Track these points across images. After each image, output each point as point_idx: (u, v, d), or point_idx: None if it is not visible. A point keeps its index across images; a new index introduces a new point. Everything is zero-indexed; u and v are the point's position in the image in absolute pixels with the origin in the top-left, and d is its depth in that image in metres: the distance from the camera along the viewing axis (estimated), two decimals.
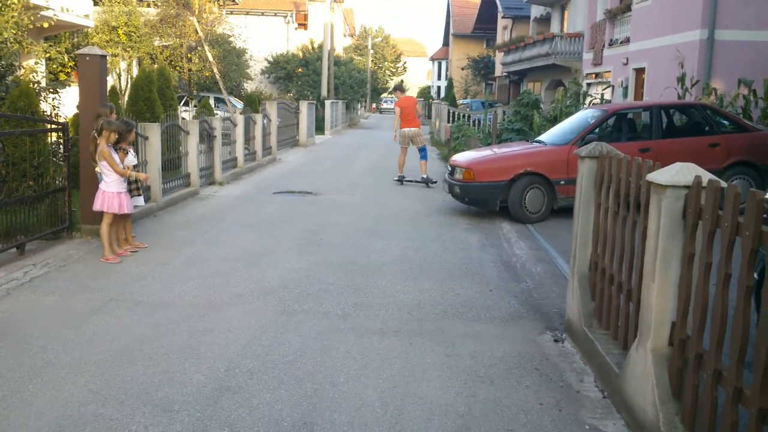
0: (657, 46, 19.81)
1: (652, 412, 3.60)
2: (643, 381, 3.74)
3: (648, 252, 3.86)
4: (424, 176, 14.63)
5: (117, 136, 7.63)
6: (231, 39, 31.07)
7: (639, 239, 4.24)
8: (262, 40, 37.34)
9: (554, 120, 15.59)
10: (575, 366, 4.83)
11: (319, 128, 30.25)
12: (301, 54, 38.80)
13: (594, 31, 26.49)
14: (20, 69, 11.44)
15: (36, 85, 11.43)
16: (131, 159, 7.95)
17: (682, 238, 3.62)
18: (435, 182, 14.47)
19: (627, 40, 22.80)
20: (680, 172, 3.61)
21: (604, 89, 22.83)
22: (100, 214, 7.70)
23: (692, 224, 3.50)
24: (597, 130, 10.87)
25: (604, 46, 25.15)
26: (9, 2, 11.18)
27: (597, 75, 26.43)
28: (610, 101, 20.55)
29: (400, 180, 14.93)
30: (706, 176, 3.49)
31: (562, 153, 10.43)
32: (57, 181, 8.70)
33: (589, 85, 25.69)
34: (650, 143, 10.59)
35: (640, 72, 21.72)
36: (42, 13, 13.78)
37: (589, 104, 16.71)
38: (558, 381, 4.57)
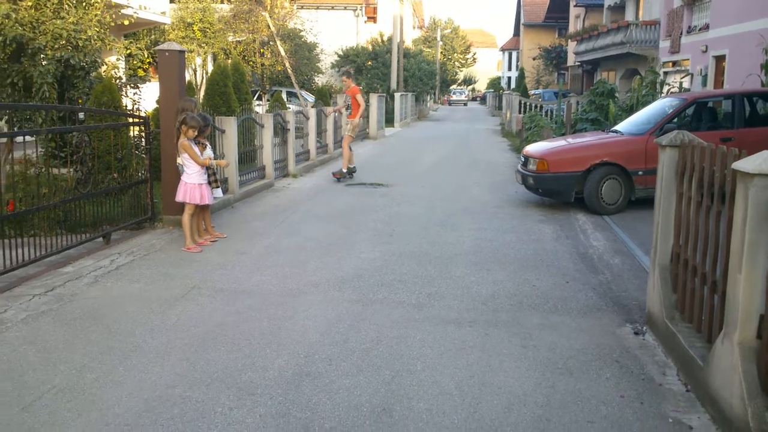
0: (739, 32, 19.13)
1: (739, 407, 3.52)
2: (730, 375, 3.65)
3: (734, 243, 3.76)
4: (352, 166, 14.16)
5: (195, 133, 7.83)
6: (302, 33, 31.45)
7: (724, 229, 4.13)
8: (332, 34, 37.61)
9: (630, 109, 15.23)
10: (657, 359, 4.75)
11: (389, 120, 30.31)
12: (370, 47, 38.97)
13: (671, 18, 25.76)
14: (103, 65, 11.83)
15: (118, 81, 11.81)
16: (208, 153, 8.16)
17: None
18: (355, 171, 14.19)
19: (706, 27, 22.10)
20: None
21: (683, 77, 22.20)
22: (181, 205, 7.93)
23: None
24: (676, 119, 10.59)
25: (681, 34, 24.45)
26: (93, 1, 11.57)
27: (674, 63, 25.72)
28: (688, 90, 19.98)
29: (352, 174, 14.01)
30: None
31: (639, 143, 10.21)
32: (139, 174, 8.99)
33: (666, 73, 25.01)
34: (732, 132, 10.26)
35: (720, 59, 21.04)
36: (122, 11, 14.22)
37: (667, 93, 16.27)
38: (639, 374, 4.50)
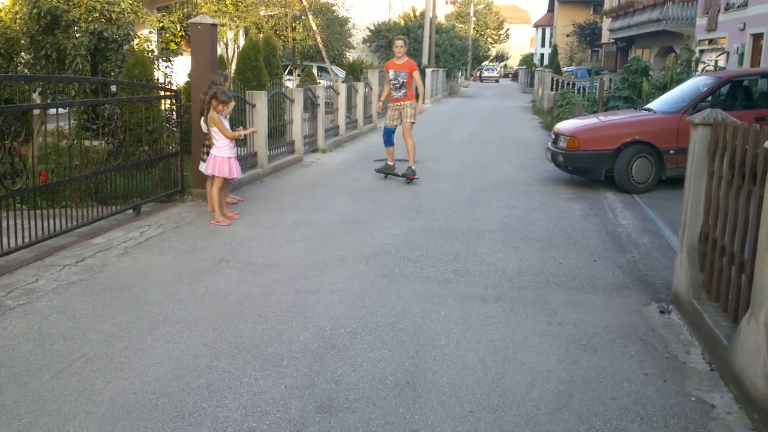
0: None
1: (763, 386, 3.49)
2: (755, 354, 3.62)
3: (764, 222, 3.71)
4: (392, 163, 11.06)
5: (225, 107, 7.87)
6: (334, 8, 31.39)
7: (754, 209, 4.08)
8: (364, 8, 37.44)
9: (664, 88, 14.98)
10: (682, 338, 4.72)
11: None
12: (402, 22, 38.74)
13: None
14: (135, 39, 11.90)
15: (150, 54, 11.89)
16: None
17: None
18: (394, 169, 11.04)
19: (745, 4, 21.62)
20: None
21: (718, 56, 21.78)
22: (211, 178, 7.99)
23: None
24: (710, 97, 10.40)
25: (719, 11, 23.94)
26: None
27: (710, 41, 25.22)
28: (724, 68, 19.60)
29: (392, 171, 10.97)
30: None
31: (672, 121, 10.07)
32: (170, 147, 9.07)
33: (701, 51, 24.54)
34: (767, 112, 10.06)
35: (758, 38, 20.59)
36: None
37: (702, 71, 15.96)
38: (663, 352, 4.48)
